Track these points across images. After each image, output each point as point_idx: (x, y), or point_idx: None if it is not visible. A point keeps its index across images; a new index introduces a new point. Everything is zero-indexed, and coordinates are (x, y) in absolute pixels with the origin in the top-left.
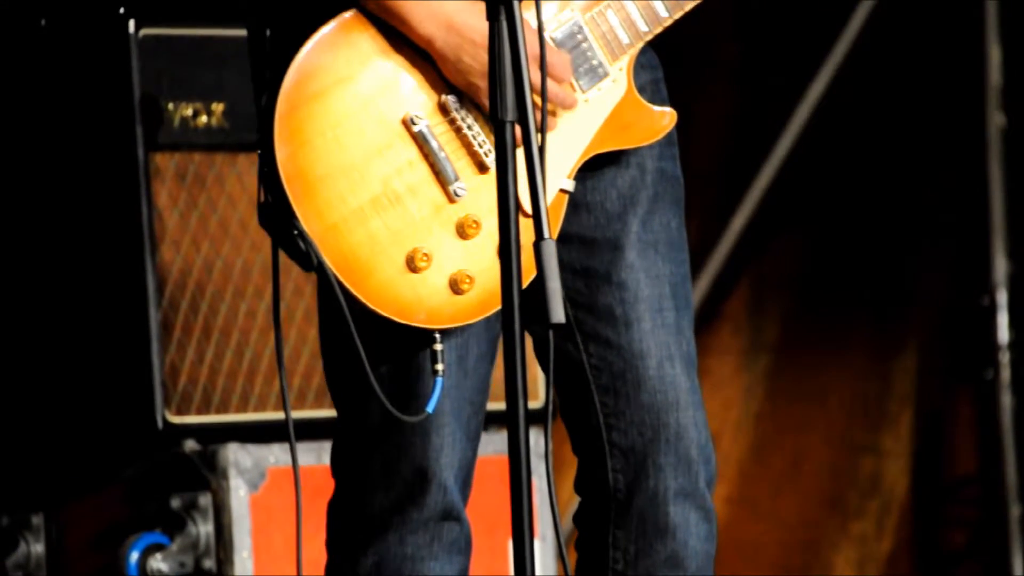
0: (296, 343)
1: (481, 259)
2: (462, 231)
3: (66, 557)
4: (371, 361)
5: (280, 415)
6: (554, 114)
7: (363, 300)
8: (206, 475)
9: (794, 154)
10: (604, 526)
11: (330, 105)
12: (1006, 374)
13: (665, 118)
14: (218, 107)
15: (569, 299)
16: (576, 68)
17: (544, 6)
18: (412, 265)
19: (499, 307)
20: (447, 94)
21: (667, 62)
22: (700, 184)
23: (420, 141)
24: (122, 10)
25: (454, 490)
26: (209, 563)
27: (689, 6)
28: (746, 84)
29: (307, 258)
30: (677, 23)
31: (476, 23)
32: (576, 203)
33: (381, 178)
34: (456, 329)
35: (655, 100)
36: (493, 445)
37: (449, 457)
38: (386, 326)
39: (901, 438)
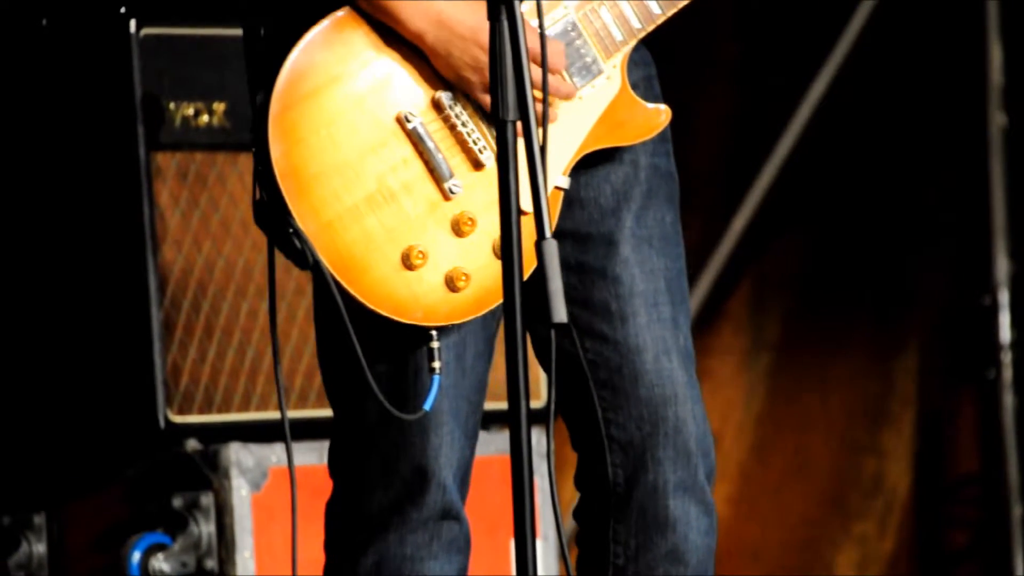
0: (298, 342)
1: (477, 256)
2: (457, 228)
3: (68, 557)
4: (368, 360)
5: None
6: (551, 106)
7: (359, 298)
8: (208, 475)
9: (795, 154)
10: (604, 521)
11: (324, 103)
12: (1008, 374)
13: (660, 115)
14: (219, 106)
15: (564, 295)
16: (570, 65)
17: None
18: (408, 263)
19: (495, 304)
20: (441, 91)
21: (667, 61)
22: (701, 184)
23: (414, 139)
24: (123, 10)
25: (453, 489)
26: (211, 563)
27: (682, 3)
28: (747, 84)
29: (302, 256)
30: (676, 22)
31: (466, 18)
32: (570, 199)
33: (376, 176)
34: (453, 328)
35: (648, 97)
36: (495, 444)
37: (448, 456)
38: (382, 324)
39: (903, 438)
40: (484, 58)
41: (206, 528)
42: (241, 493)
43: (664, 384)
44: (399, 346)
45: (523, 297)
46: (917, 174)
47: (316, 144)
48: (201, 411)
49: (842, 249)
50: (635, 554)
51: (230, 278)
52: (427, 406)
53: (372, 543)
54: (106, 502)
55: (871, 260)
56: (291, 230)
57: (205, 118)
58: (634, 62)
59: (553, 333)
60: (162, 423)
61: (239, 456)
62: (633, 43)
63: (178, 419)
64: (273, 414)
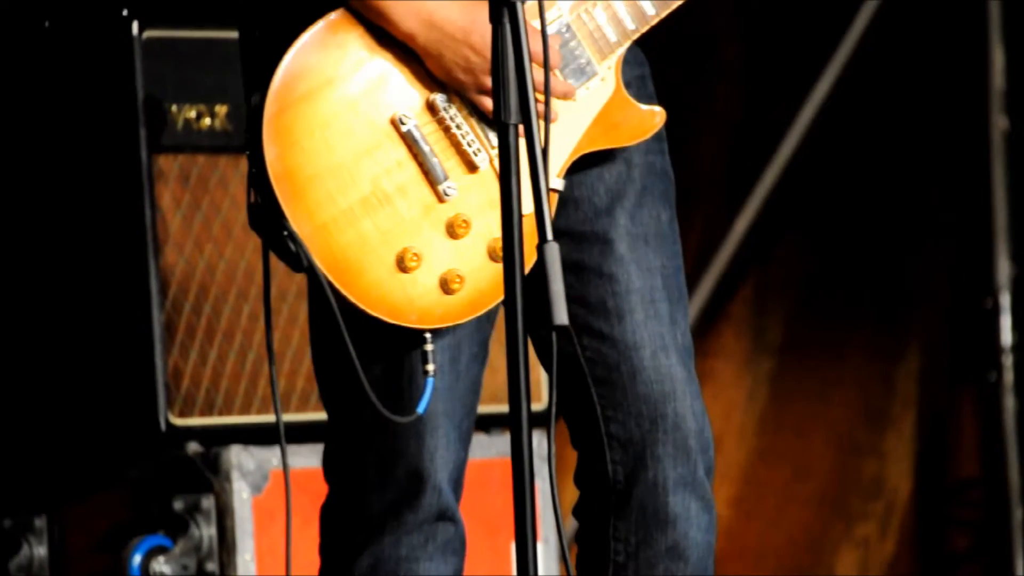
0: (300, 345)
1: (471, 259)
2: (452, 231)
3: (68, 559)
4: (362, 362)
5: (283, 417)
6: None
7: (353, 300)
8: (209, 477)
9: (797, 157)
10: (605, 518)
11: (319, 106)
12: (1009, 376)
13: (655, 117)
14: (221, 109)
15: None
16: (564, 67)
17: (530, 5)
18: (402, 265)
19: (490, 306)
20: (435, 93)
21: (670, 62)
22: (703, 186)
23: (409, 141)
24: (125, 12)
25: (448, 491)
26: (212, 566)
27: (675, 4)
28: (749, 85)
29: (297, 259)
30: (679, 23)
31: (456, 18)
32: (564, 198)
33: (370, 178)
34: (448, 330)
35: (641, 96)
36: (496, 448)
37: (443, 458)
38: (377, 327)
39: (904, 440)
40: (475, 59)
41: (207, 531)
42: (242, 496)
43: (663, 381)
44: (393, 349)
45: (523, 299)
46: (919, 177)
47: (311, 147)
48: (202, 414)
49: (844, 251)
50: (635, 551)
51: (232, 281)
52: (421, 409)
53: (367, 545)
54: (107, 505)
55: (873, 262)
56: (286, 233)
57: (207, 121)
58: (627, 61)
59: (554, 336)
60: (163, 426)
61: (240, 459)
62: (627, 44)
63: (179, 422)
64: (274, 417)
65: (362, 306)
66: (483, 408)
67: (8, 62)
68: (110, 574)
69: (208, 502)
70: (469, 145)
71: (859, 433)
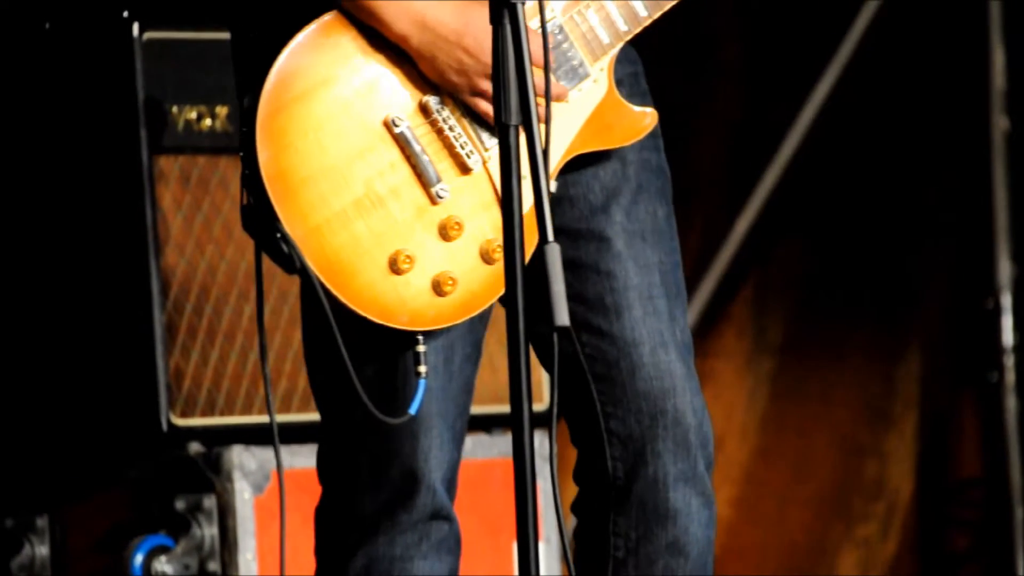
0: (299, 346)
1: (464, 261)
2: (444, 233)
3: (70, 559)
4: (355, 364)
5: (284, 417)
6: (538, 107)
7: (346, 302)
8: (210, 477)
9: (797, 157)
10: (604, 514)
11: (312, 107)
12: (1010, 377)
13: (646, 118)
14: (222, 110)
15: None
16: (557, 69)
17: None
18: (395, 267)
19: (482, 308)
20: (428, 95)
21: (670, 63)
22: (704, 186)
23: (402, 143)
24: (126, 13)
25: (442, 491)
26: (213, 565)
27: (668, 5)
28: (749, 85)
29: (290, 261)
30: (679, 23)
31: (450, 20)
32: (559, 197)
33: (363, 180)
34: (441, 331)
35: (634, 93)
36: (498, 448)
37: (437, 458)
38: (369, 328)
39: (905, 440)
40: (468, 61)
41: (209, 530)
42: (244, 496)
43: (662, 377)
44: (386, 350)
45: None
46: (919, 177)
47: (304, 148)
48: (204, 414)
49: (844, 252)
50: (635, 546)
51: (233, 281)
52: (412, 410)
53: (362, 545)
54: (109, 504)
55: (873, 263)
56: (279, 235)
57: (208, 122)
58: (619, 59)
59: (556, 336)
60: (165, 426)
61: (241, 459)
62: (619, 45)
63: (181, 422)
64: (275, 417)
65: (354, 308)
66: (485, 408)
67: (9, 64)
68: (112, 574)
69: (210, 502)
70: (462, 147)
71: (860, 433)
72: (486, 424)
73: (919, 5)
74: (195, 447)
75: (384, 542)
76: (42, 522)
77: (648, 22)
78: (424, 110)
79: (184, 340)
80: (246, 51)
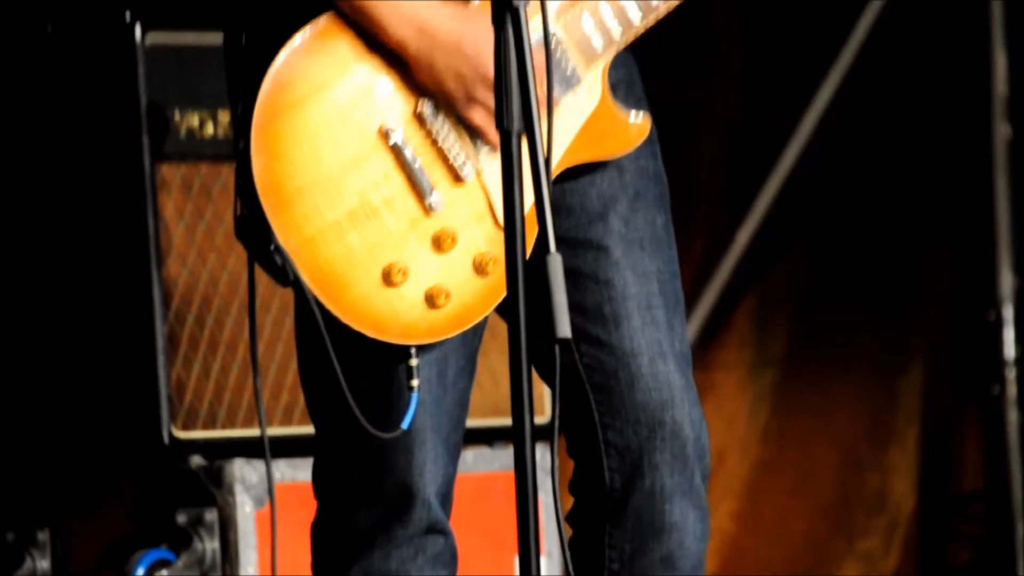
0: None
1: (457, 273)
2: (438, 245)
3: (71, 573)
4: (348, 377)
5: (287, 430)
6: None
7: (339, 315)
8: (212, 491)
9: (798, 168)
10: (600, 526)
11: (307, 115)
12: (1012, 390)
13: (640, 127)
14: (225, 116)
15: None
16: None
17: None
18: (388, 280)
19: (475, 321)
20: (422, 103)
21: (671, 65)
22: (706, 196)
23: (395, 153)
24: (128, 17)
25: (437, 505)
26: None
27: (663, 13)
28: (750, 87)
29: (283, 273)
30: (680, 26)
31: (449, 26)
32: (555, 206)
33: (358, 191)
34: (434, 344)
35: (629, 97)
36: (499, 461)
37: (432, 473)
38: (362, 342)
39: (907, 454)
40: (466, 69)
41: (210, 544)
42: (245, 509)
43: (661, 388)
44: (379, 363)
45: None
46: (921, 186)
47: (299, 158)
48: (205, 427)
49: (846, 264)
50: (630, 559)
51: (235, 292)
52: (405, 424)
53: (357, 560)
54: (110, 518)
55: (875, 275)
56: (272, 246)
57: (210, 128)
58: (613, 64)
59: (557, 348)
60: (166, 439)
61: (243, 472)
62: (613, 53)
63: (182, 435)
64: (277, 430)
65: (347, 321)
66: (486, 421)
67: (10, 67)
68: None
69: (211, 515)
70: (456, 157)
71: (862, 447)
72: (487, 437)
73: (920, 11)
74: (196, 460)
75: (380, 556)
76: (43, 536)
77: (642, 29)
78: (418, 119)
79: (186, 352)
80: (239, 55)
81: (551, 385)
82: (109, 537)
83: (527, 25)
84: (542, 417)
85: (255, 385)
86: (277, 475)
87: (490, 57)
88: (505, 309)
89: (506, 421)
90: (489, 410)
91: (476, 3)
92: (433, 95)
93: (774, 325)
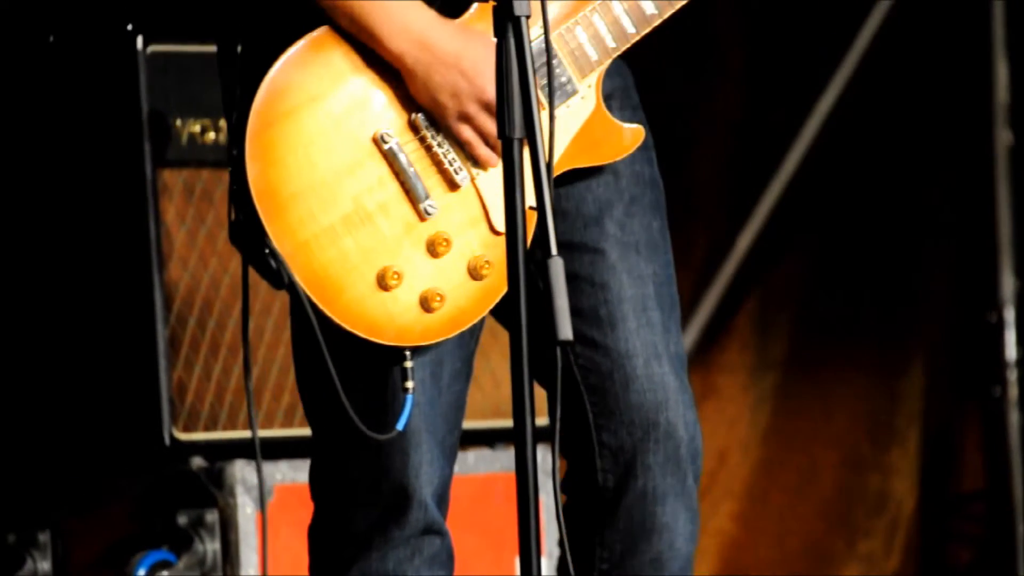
0: None
1: (452, 277)
2: (432, 249)
3: (72, 574)
4: (343, 380)
5: (288, 431)
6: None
7: (333, 318)
8: (213, 492)
9: (799, 172)
10: (592, 525)
11: (302, 123)
12: (1013, 391)
13: (635, 134)
14: (226, 123)
15: None
16: (545, 86)
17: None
18: (383, 283)
19: (469, 324)
20: (418, 111)
21: (672, 67)
22: (707, 199)
23: (390, 159)
24: (130, 26)
25: (433, 506)
26: None
27: (657, 22)
28: (751, 89)
29: (278, 276)
30: (682, 29)
31: (448, 42)
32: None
33: (352, 196)
34: (429, 346)
35: (625, 106)
36: (500, 462)
37: (428, 474)
38: (357, 344)
39: (908, 455)
40: (463, 84)
41: (211, 546)
42: (246, 510)
43: (655, 389)
44: (374, 366)
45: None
46: (922, 188)
47: (293, 164)
48: (206, 428)
49: (847, 266)
50: (620, 559)
51: (235, 295)
52: (399, 426)
53: (355, 561)
54: (111, 519)
55: (877, 277)
56: (266, 250)
57: (212, 135)
58: (608, 73)
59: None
60: (167, 440)
61: (244, 474)
62: (608, 62)
63: (183, 436)
64: (278, 431)
65: (342, 324)
66: (487, 423)
67: (13, 77)
68: None
69: (212, 517)
70: (451, 163)
71: (863, 448)
72: (489, 439)
73: (921, 20)
74: (197, 462)
75: (377, 558)
76: (44, 537)
77: (636, 39)
78: (413, 127)
79: (187, 354)
80: (233, 66)
81: (549, 387)
82: (110, 538)
83: (528, 34)
84: (543, 419)
85: (247, 387)
86: (278, 476)
87: (486, 77)
88: (503, 314)
89: (507, 423)
90: (490, 412)
91: (480, 26)
92: (427, 108)
93: (775, 327)
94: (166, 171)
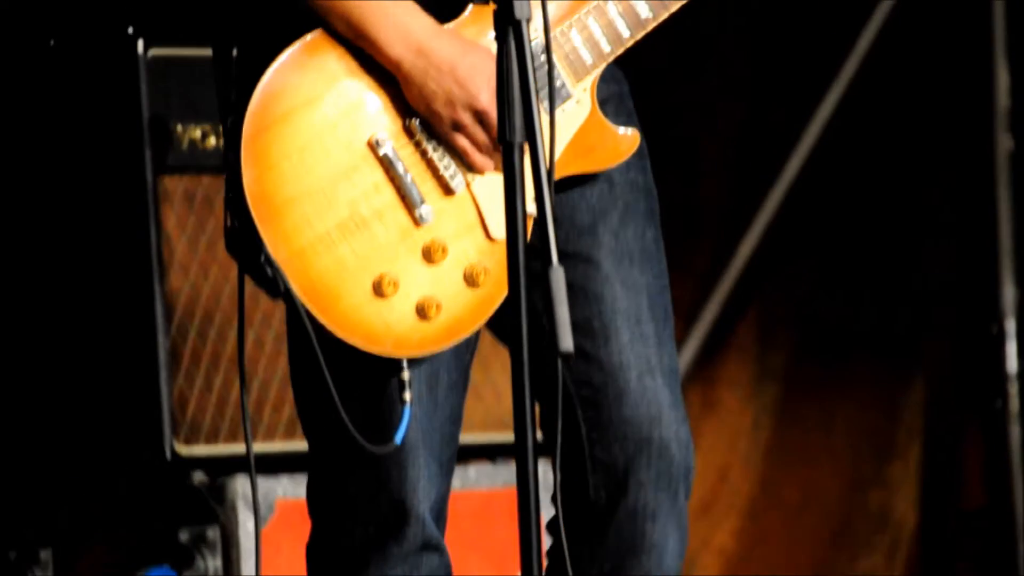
0: None
1: (448, 284)
2: (429, 256)
3: None
4: (340, 391)
5: (289, 445)
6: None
7: (330, 327)
8: (215, 508)
9: (799, 183)
10: (581, 540)
11: (296, 127)
12: (1015, 404)
13: (630, 141)
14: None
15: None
16: (540, 89)
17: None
18: (379, 291)
19: (466, 334)
20: (413, 117)
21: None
22: (709, 210)
23: (386, 164)
24: (131, 31)
25: (431, 522)
26: None
27: (652, 25)
28: (752, 92)
29: (274, 284)
30: (682, 31)
31: (445, 49)
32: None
33: (348, 202)
34: (425, 359)
35: (619, 113)
36: (502, 477)
37: (426, 489)
38: (354, 354)
39: (910, 470)
40: (458, 92)
41: (212, 562)
42: (247, 527)
43: (648, 404)
44: (371, 377)
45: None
46: (923, 200)
47: (288, 169)
48: (208, 441)
49: (848, 279)
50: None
51: (236, 306)
52: (398, 439)
53: None
54: (112, 536)
55: (877, 290)
56: (263, 258)
57: (212, 140)
58: (603, 79)
59: (559, 361)
60: (169, 455)
61: (245, 489)
62: (603, 67)
63: (184, 450)
64: (279, 445)
65: (338, 333)
66: (489, 436)
67: (13, 81)
68: None
69: (214, 533)
70: (446, 169)
71: (864, 463)
72: (490, 453)
73: (922, 26)
74: (199, 477)
75: (375, 574)
76: (45, 554)
77: (631, 42)
78: (408, 132)
79: (188, 366)
80: (228, 70)
81: (545, 400)
82: (111, 555)
83: (529, 39)
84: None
85: (242, 400)
86: (280, 491)
87: (481, 86)
88: (500, 327)
89: (509, 436)
90: (492, 425)
91: (475, 29)
92: (422, 115)
93: (776, 341)
94: (167, 178)
